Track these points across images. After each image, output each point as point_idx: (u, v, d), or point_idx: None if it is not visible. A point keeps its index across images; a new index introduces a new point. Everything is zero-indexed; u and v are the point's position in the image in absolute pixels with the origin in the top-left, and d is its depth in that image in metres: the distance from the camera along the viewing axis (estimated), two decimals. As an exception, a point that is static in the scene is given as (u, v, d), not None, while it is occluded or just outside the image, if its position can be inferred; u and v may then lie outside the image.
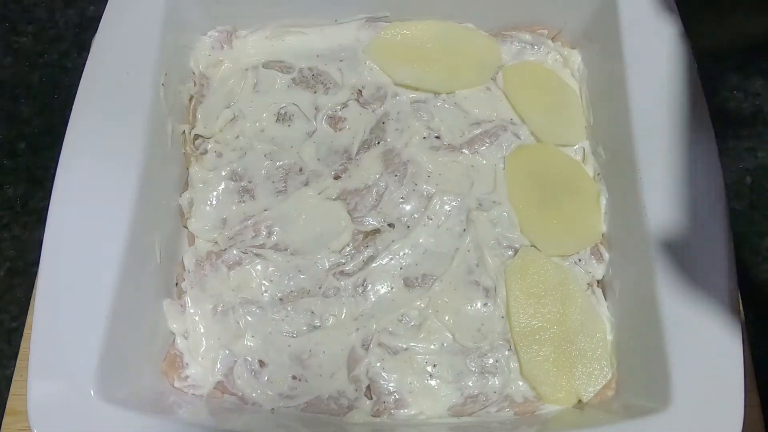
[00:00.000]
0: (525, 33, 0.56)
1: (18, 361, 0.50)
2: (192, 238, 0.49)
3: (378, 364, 0.45)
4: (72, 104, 0.45)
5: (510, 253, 0.48)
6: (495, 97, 0.54)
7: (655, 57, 0.47)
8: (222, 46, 0.55)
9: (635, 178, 0.44)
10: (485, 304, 0.46)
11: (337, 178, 0.51)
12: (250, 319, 0.46)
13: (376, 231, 0.49)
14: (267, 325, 0.46)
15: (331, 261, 0.48)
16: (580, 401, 0.45)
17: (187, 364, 0.45)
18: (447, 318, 0.46)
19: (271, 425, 0.43)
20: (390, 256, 0.48)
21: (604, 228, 0.49)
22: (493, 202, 0.49)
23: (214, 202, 0.50)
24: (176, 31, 0.51)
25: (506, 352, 0.45)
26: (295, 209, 0.49)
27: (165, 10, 0.49)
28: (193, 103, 0.53)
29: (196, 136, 0.52)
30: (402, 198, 0.50)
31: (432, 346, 0.46)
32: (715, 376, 0.38)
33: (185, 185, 0.50)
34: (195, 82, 0.53)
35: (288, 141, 0.52)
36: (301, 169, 0.51)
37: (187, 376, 0.45)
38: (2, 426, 0.48)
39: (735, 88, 0.64)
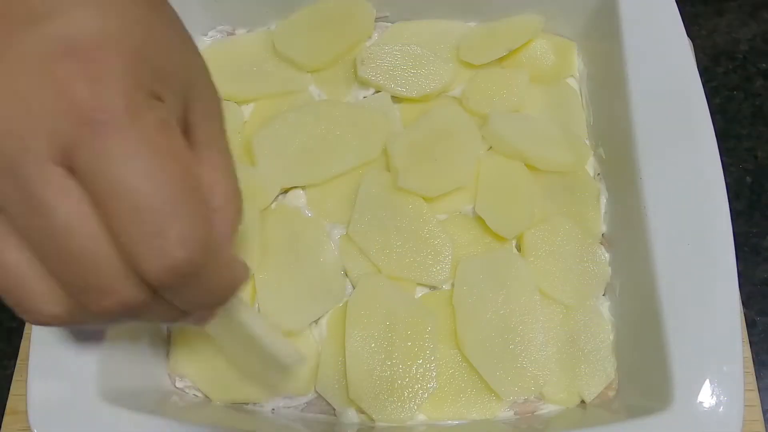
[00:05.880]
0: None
1: (18, 361, 0.50)
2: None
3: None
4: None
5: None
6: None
7: (656, 56, 0.47)
8: (222, 46, 0.55)
9: (635, 178, 0.44)
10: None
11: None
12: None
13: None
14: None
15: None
16: (582, 401, 0.45)
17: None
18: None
19: (272, 425, 0.43)
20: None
21: (604, 228, 0.49)
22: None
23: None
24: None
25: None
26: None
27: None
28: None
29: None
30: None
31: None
32: (715, 376, 0.38)
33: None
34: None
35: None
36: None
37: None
38: (2, 426, 0.48)
39: (735, 88, 0.64)
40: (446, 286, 0.47)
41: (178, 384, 0.45)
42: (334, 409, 0.44)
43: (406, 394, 0.43)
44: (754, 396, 0.48)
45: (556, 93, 0.54)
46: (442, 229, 0.48)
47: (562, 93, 0.54)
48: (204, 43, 0.55)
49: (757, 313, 0.55)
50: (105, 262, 0.23)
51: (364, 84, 0.53)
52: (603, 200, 0.50)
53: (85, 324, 0.26)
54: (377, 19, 0.56)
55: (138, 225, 0.22)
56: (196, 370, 0.44)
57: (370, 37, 0.56)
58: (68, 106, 0.22)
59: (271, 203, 0.49)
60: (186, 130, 0.27)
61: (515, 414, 0.44)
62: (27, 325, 0.51)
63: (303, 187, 0.50)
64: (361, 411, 0.44)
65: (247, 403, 0.44)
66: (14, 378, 0.49)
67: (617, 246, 0.48)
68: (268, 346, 0.37)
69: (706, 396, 0.38)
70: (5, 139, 0.22)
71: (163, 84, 0.25)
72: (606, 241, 0.49)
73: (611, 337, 0.46)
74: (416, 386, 0.43)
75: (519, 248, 0.48)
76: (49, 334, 0.39)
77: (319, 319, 0.46)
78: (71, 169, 0.22)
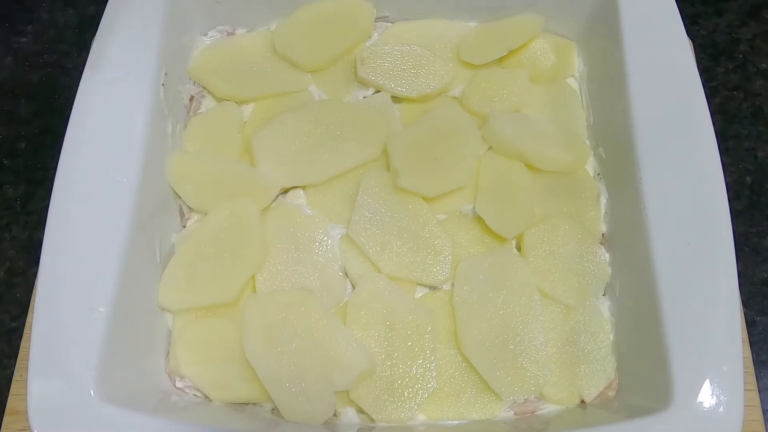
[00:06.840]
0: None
1: (18, 361, 0.50)
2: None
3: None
4: (72, 104, 0.45)
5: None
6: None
7: (656, 56, 0.47)
8: (222, 46, 0.55)
9: (635, 178, 0.44)
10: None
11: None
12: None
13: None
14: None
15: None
16: (582, 401, 0.45)
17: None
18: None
19: (272, 425, 0.43)
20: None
21: (604, 228, 0.49)
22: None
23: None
24: (176, 32, 0.51)
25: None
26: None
27: (165, 10, 0.49)
28: (193, 103, 0.53)
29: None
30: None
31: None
32: (715, 376, 0.38)
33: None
34: (195, 82, 0.53)
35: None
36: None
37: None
38: (2, 426, 0.48)
39: (735, 88, 0.64)
40: (446, 286, 0.47)
41: (178, 384, 0.45)
42: (335, 409, 0.44)
43: (406, 394, 0.43)
44: (754, 396, 0.48)
45: (556, 93, 0.54)
46: (442, 229, 0.48)
47: (562, 93, 0.54)
48: (204, 43, 0.55)
49: (757, 313, 0.55)
50: None
51: (364, 84, 0.53)
52: (603, 200, 0.50)
53: None
54: (377, 19, 0.56)
55: None
56: (196, 370, 0.44)
57: (370, 37, 0.56)
58: None
59: (271, 203, 0.49)
60: None
61: (515, 414, 0.44)
62: (27, 325, 0.51)
63: (303, 187, 0.50)
64: (361, 411, 0.44)
65: (247, 403, 0.44)
66: (14, 378, 0.49)
67: (617, 246, 0.47)
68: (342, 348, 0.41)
69: (706, 396, 0.38)
70: None
71: None
72: (606, 241, 0.49)
73: (611, 337, 0.46)
74: (416, 386, 0.43)
75: (519, 248, 0.48)
76: (49, 335, 0.39)
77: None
78: None
